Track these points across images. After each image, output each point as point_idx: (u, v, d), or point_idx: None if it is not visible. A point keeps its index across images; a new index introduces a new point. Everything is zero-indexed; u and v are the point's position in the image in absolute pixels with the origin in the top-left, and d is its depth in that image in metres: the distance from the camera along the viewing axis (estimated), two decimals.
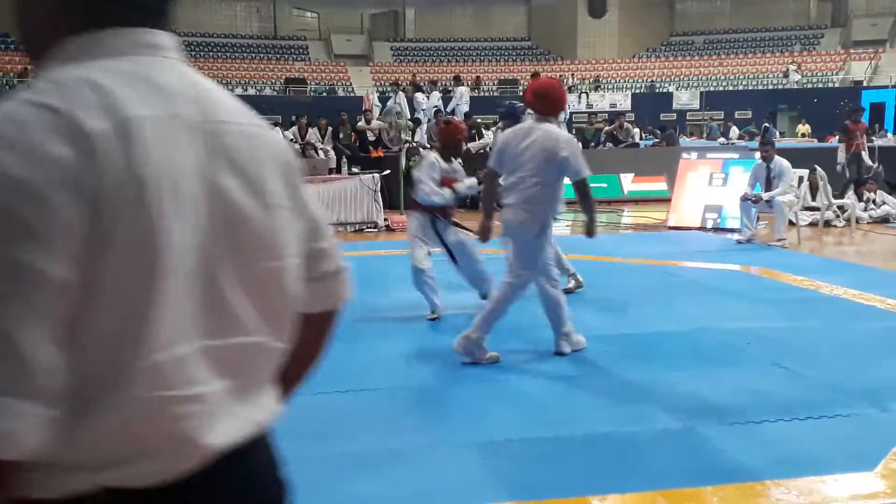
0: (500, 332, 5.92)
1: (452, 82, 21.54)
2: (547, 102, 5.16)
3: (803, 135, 28.73)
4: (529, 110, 5.48)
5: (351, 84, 40.53)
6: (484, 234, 5.27)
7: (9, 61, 36.28)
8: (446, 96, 19.92)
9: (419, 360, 5.25)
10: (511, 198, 5.09)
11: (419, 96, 18.19)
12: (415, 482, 3.43)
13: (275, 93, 37.09)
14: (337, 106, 21.81)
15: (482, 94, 39.20)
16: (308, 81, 39.14)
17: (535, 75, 18.86)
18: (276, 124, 20.02)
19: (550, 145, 4.98)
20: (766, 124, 28.84)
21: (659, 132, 19.67)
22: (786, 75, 38.73)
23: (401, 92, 18.75)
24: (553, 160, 4.97)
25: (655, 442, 3.86)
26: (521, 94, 19.01)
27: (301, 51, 45.70)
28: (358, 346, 5.60)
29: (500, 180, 5.23)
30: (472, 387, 4.73)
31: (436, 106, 18.01)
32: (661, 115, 35.31)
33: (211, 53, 42.63)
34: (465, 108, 18.75)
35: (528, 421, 4.13)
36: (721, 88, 40.13)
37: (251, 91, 36.33)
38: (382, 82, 39.66)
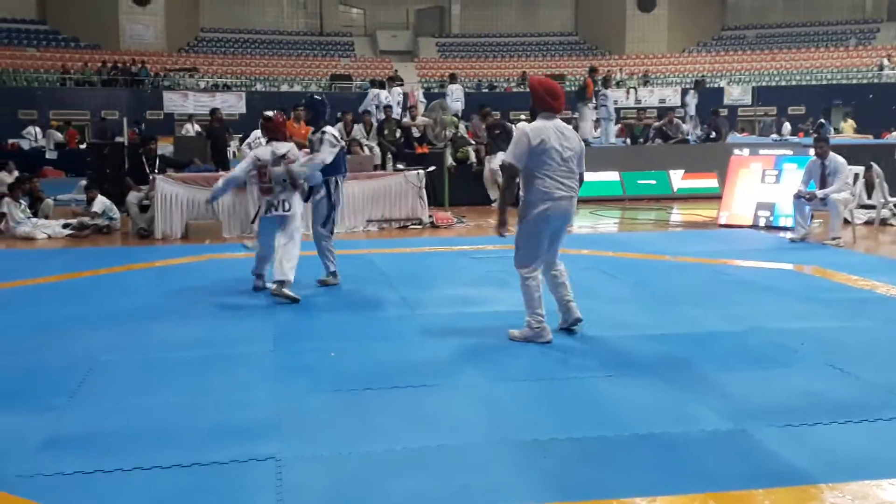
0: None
1: (448, 79, 21.36)
2: (561, 100, 5.57)
3: (856, 130, 28.09)
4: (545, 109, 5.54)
5: None
6: (502, 229, 5.67)
7: (59, 58, 37.02)
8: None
9: (464, 357, 5.22)
10: (563, 191, 5.41)
11: (382, 93, 17.94)
12: (460, 479, 3.39)
13: (320, 89, 37.31)
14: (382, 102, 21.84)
15: (527, 89, 39.00)
16: (353, 77, 39.31)
17: (556, 78, 18.72)
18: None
19: (579, 141, 5.61)
20: (822, 120, 28.27)
21: (713, 118, 19.43)
22: (881, 68, 37.86)
23: (457, 85, 18.76)
24: (581, 153, 5.55)
25: (706, 443, 3.79)
26: (567, 89, 18.80)
27: (347, 47, 45.90)
28: (403, 343, 5.59)
29: (544, 174, 5.40)
30: (517, 385, 4.69)
31: (399, 101, 17.83)
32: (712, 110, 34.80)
33: (258, 50, 43.03)
34: (460, 105, 18.46)
35: (573, 420, 4.08)
36: (774, 83, 39.43)
37: (297, 87, 36.62)
38: (427, 78, 39.70)
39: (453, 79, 20.65)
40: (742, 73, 40.55)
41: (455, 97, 18.69)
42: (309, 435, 3.91)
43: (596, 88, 18.05)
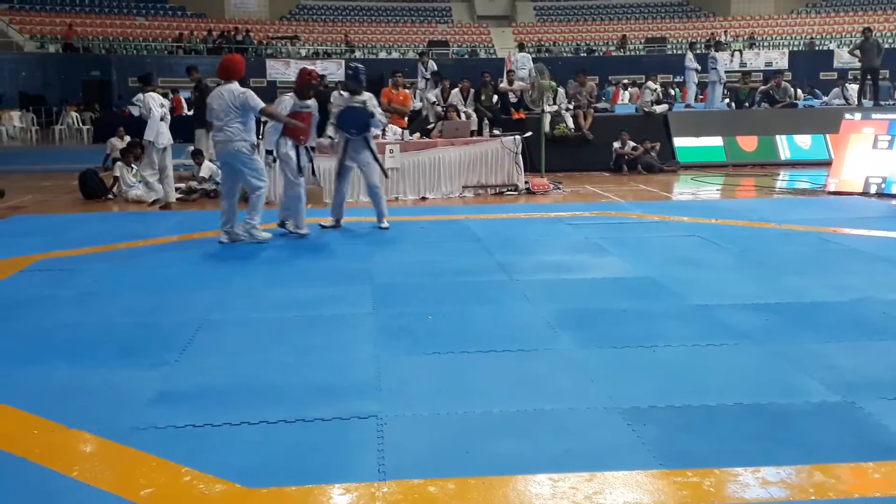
0: (633, 296, 5.81)
1: (517, 49, 21.33)
2: (221, 70, 7.96)
3: None
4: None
5: (493, 46, 40.30)
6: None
7: (167, 27, 38.07)
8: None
9: (561, 323, 5.20)
10: (217, 136, 7.92)
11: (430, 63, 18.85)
12: (560, 444, 3.40)
13: (417, 56, 37.41)
14: (479, 68, 21.74)
15: (628, 53, 38.20)
16: (450, 44, 39.18)
17: (657, 41, 18.11)
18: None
19: (234, 96, 7.81)
20: None
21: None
22: None
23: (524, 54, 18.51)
24: (244, 104, 7.84)
25: (812, 415, 3.68)
26: (668, 52, 18.30)
27: (444, 13, 45.75)
28: (501, 308, 5.61)
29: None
30: (615, 352, 4.65)
31: (435, 70, 18.38)
32: (821, 73, 33.47)
33: (357, 18, 43.32)
34: (524, 73, 17.84)
35: (674, 388, 4.02)
36: (888, 45, 37.47)
37: (395, 54, 36.74)
38: (525, 43, 39.24)
39: (521, 48, 20.68)
40: (853, 36, 38.64)
41: (521, 65, 17.79)
42: (409, 395, 3.98)
43: (705, 52, 17.52)
